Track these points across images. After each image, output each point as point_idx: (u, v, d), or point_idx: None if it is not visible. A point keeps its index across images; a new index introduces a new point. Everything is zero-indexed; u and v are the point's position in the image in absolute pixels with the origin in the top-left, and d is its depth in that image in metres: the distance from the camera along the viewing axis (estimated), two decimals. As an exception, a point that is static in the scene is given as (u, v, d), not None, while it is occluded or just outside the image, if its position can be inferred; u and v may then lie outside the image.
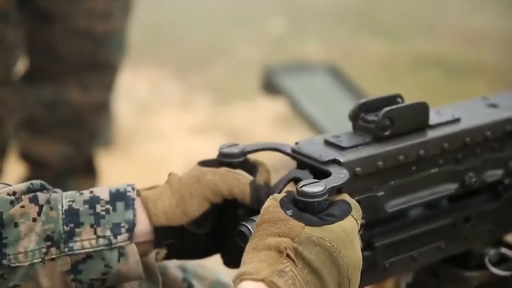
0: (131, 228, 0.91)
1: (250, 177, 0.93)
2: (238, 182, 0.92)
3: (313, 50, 4.23)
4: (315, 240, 0.80)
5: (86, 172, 2.33)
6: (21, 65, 2.15)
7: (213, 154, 0.98)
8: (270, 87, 2.97)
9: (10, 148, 2.12)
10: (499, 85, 3.65)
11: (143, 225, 0.93)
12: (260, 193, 0.92)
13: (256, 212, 0.88)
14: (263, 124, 3.47)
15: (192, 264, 1.13)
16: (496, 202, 1.06)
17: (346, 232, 0.82)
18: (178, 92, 3.85)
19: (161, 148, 3.25)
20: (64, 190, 2.35)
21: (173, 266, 1.10)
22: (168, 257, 0.96)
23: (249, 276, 0.78)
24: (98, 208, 0.91)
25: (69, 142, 2.24)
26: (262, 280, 0.77)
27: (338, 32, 4.45)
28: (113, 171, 2.86)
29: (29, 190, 0.94)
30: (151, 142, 3.32)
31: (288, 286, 0.77)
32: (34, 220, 0.90)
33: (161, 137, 3.37)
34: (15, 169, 2.47)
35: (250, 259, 0.80)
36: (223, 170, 0.93)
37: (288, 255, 0.79)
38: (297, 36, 4.42)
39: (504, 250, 1.07)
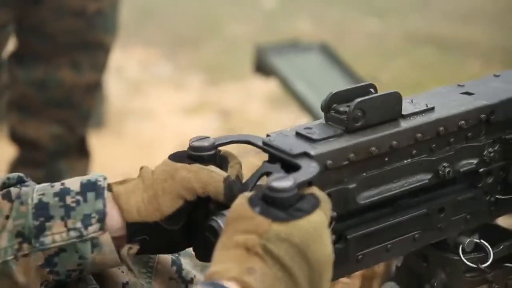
0: (101, 218, 0.91)
1: (224, 174, 0.92)
2: (212, 179, 0.91)
3: (304, 29, 4.21)
4: (283, 236, 0.79)
5: (79, 153, 2.33)
6: (11, 45, 2.14)
7: (204, 134, 0.97)
8: (262, 67, 2.94)
9: (1, 129, 2.11)
10: (492, 63, 3.64)
11: (115, 221, 0.93)
12: (234, 190, 0.91)
13: (228, 206, 0.87)
14: (254, 104, 3.46)
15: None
16: (471, 191, 1.05)
17: (315, 227, 0.81)
18: (169, 72, 3.84)
19: (152, 128, 3.25)
20: (57, 171, 2.35)
21: None
22: (140, 252, 0.95)
23: (219, 275, 0.78)
24: (68, 200, 0.91)
25: (60, 122, 2.24)
26: (232, 279, 0.77)
27: (330, 10, 4.43)
28: (105, 151, 2.86)
29: (4, 186, 0.94)
30: (142, 122, 3.31)
31: (258, 284, 0.77)
32: (7, 217, 0.90)
33: (152, 117, 3.36)
34: (6, 149, 2.47)
35: (220, 258, 0.80)
36: (196, 167, 0.92)
37: (256, 253, 0.78)
38: (288, 15, 4.40)
39: (478, 239, 1.07)
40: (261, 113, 3.35)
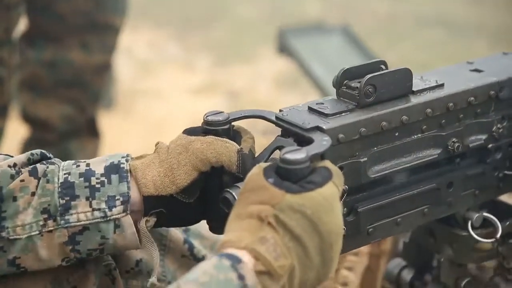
0: (126, 201, 0.93)
1: (237, 145, 0.94)
2: (226, 149, 0.93)
3: (313, 10, 4.20)
4: (295, 207, 0.81)
5: (89, 133, 2.35)
6: (21, 25, 2.16)
7: None
8: (285, 49, 2.94)
9: (11, 108, 2.13)
10: (500, 44, 3.63)
11: (133, 195, 0.95)
12: (246, 161, 0.93)
13: (241, 179, 0.89)
14: (263, 85, 3.47)
15: (194, 225, 1.15)
16: (479, 166, 1.07)
17: (327, 198, 0.83)
18: (178, 53, 3.85)
19: (161, 109, 3.26)
20: (68, 151, 2.36)
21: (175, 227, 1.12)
22: (157, 225, 0.97)
23: (231, 244, 0.80)
24: (93, 181, 0.93)
25: (71, 103, 2.26)
26: (244, 248, 0.79)
27: (339, -9, 4.42)
28: (115, 131, 2.88)
29: (29, 162, 0.96)
30: (151, 102, 3.33)
31: (269, 253, 0.79)
32: (33, 194, 0.93)
33: (162, 98, 3.38)
34: (17, 129, 2.49)
35: (233, 227, 0.82)
36: (211, 138, 0.94)
37: (269, 223, 0.80)
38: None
39: (486, 214, 1.09)
40: (269, 94, 3.36)
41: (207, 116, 0.97)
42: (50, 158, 0.98)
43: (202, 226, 1.16)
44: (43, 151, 0.98)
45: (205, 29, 4.08)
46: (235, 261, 0.77)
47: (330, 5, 4.29)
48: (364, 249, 1.32)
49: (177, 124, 3.01)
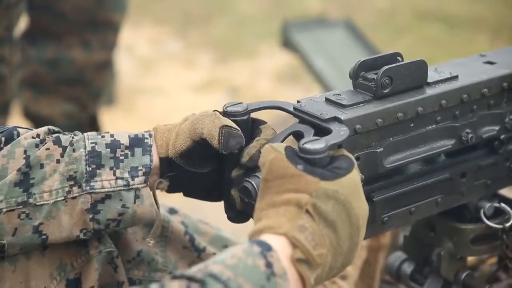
0: (147, 172, 0.97)
1: (228, 123, 0.96)
2: (211, 124, 0.96)
3: (314, 5, 4.21)
4: (330, 194, 0.82)
5: (91, 130, 2.35)
6: (22, 23, 2.16)
7: None
8: (288, 43, 2.95)
9: (13, 106, 2.14)
10: (500, 39, 3.65)
11: (154, 158, 0.99)
12: (229, 139, 0.95)
13: (253, 171, 0.91)
14: (264, 81, 3.48)
15: (193, 220, 1.17)
16: (492, 157, 1.09)
17: (355, 183, 0.85)
18: (179, 49, 3.85)
19: (162, 105, 3.27)
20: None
21: (176, 221, 1.14)
22: (171, 189, 1.01)
23: (270, 230, 0.80)
24: (118, 153, 0.97)
25: (73, 100, 2.27)
26: (284, 234, 0.80)
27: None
28: (116, 128, 2.88)
29: (50, 132, 0.99)
30: (152, 99, 3.33)
31: (308, 242, 0.80)
32: (58, 161, 0.96)
33: (163, 94, 3.38)
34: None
35: (268, 214, 0.82)
36: (211, 112, 0.98)
37: (307, 211, 0.81)
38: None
39: (498, 204, 1.10)
40: (270, 90, 3.37)
41: (226, 107, 0.98)
42: (62, 133, 1.01)
43: (201, 221, 1.18)
44: (56, 128, 1.01)
45: (205, 26, 4.08)
46: (265, 248, 0.78)
47: (330, 0, 4.30)
48: (363, 242, 1.33)
49: (177, 120, 3.01)
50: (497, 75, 1.04)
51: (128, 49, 3.64)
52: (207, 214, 1.30)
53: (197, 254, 1.13)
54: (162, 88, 3.44)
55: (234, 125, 0.96)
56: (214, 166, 1.00)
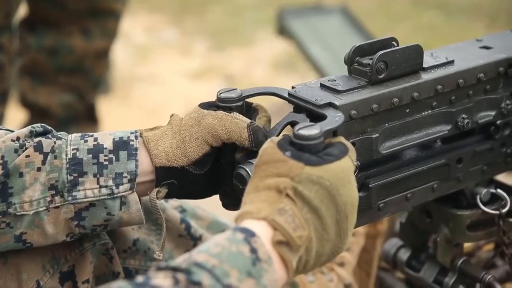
0: (133, 178, 0.94)
1: (247, 120, 0.95)
2: (235, 126, 0.94)
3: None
4: (314, 179, 0.82)
5: (88, 119, 2.34)
6: (22, 11, 2.14)
7: (210, 99, 1.00)
8: (284, 30, 2.93)
9: (11, 94, 2.12)
10: (496, 26, 3.64)
11: (145, 165, 0.95)
12: (258, 135, 0.94)
13: (255, 154, 0.90)
14: (259, 69, 3.47)
15: (191, 205, 1.16)
16: (488, 142, 1.08)
17: (344, 171, 0.84)
18: (175, 37, 3.84)
19: (159, 93, 3.25)
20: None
21: (172, 207, 1.13)
22: (168, 196, 0.98)
23: (250, 215, 0.80)
24: (101, 158, 0.93)
25: (71, 91, 2.25)
26: (263, 219, 0.80)
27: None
28: (112, 117, 2.88)
29: (31, 134, 0.95)
30: (149, 87, 3.32)
31: (288, 224, 0.79)
32: (39, 169, 0.92)
33: (159, 82, 3.37)
34: (16, 115, 2.49)
35: (251, 199, 0.82)
36: (221, 113, 0.95)
37: (287, 194, 0.81)
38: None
39: (495, 189, 1.10)
40: (266, 78, 3.36)
41: (220, 93, 0.97)
42: (51, 131, 0.97)
43: (199, 207, 1.17)
44: (43, 124, 0.97)
45: (201, 13, 4.07)
46: (249, 234, 0.78)
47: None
48: (361, 229, 1.33)
49: (174, 108, 3.00)
50: (493, 60, 1.04)
51: (124, 38, 3.62)
52: (201, 201, 1.29)
53: (193, 242, 1.12)
54: (158, 76, 3.43)
55: (248, 119, 0.94)
56: (212, 162, 0.98)
